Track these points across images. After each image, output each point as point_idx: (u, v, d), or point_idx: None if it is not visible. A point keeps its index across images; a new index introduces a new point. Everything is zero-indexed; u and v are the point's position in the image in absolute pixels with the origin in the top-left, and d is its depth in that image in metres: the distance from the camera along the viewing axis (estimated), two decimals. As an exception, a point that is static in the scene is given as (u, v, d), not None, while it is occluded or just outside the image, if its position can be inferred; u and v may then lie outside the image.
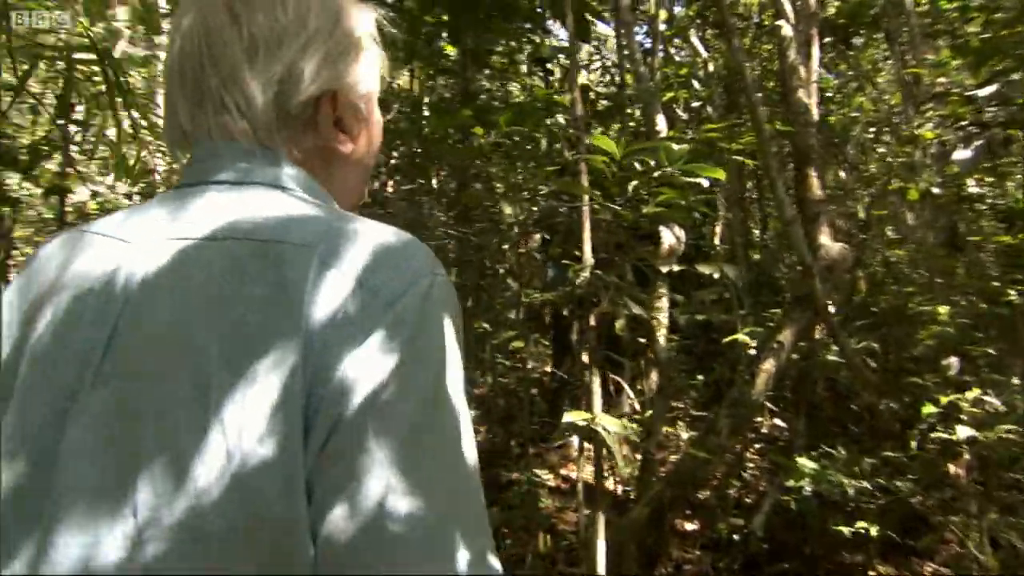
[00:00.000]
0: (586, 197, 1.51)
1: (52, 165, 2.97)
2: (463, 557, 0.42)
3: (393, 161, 2.06)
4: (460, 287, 2.29)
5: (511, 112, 1.78)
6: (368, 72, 0.59)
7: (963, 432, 1.79)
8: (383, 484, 0.41)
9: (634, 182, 1.38)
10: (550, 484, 3.58)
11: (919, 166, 3.54)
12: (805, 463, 2.28)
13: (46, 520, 0.42)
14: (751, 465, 3.45)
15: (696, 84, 4.41)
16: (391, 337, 0.44)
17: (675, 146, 1.29)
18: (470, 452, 0.46)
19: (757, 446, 3.80)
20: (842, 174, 4.73)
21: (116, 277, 0.48)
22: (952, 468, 1.94)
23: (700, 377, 4.23)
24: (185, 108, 0.54)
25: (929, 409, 1.90)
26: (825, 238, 2.52)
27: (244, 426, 0.41)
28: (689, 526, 3.06)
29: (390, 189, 3.09)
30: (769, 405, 3.85)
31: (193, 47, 0.53)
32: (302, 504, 0.41)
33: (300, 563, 0.41)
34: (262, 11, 0.53)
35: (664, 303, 4.05)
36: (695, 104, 4.53)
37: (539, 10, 2.59)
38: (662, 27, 4.77)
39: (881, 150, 4.27)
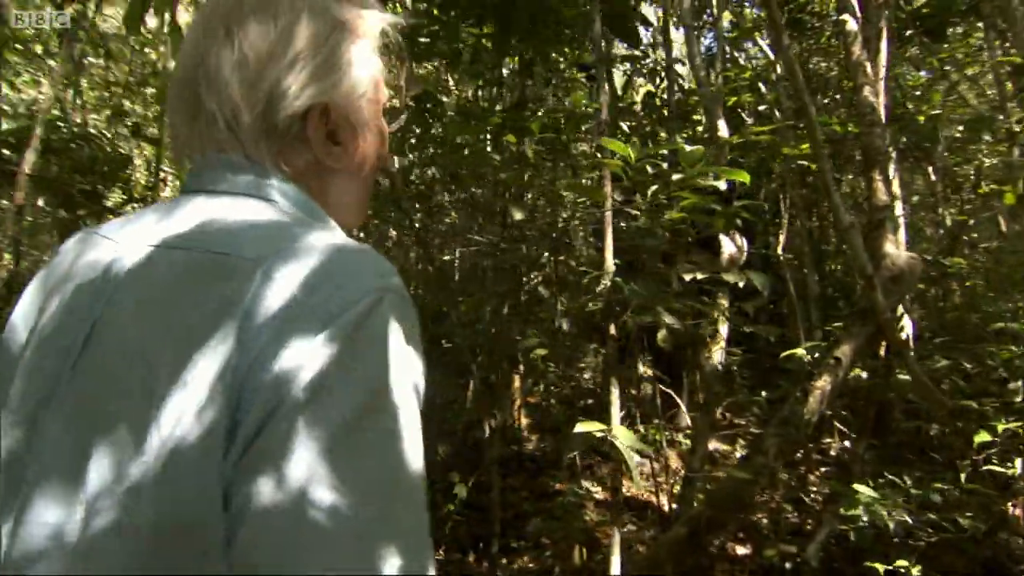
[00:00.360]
0: (607, 203, 1.48)
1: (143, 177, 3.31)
2: (392, 566, 0.40)
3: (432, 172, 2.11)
4: (499, 295, 2.30)
5: (541, 119, 1.78)
6: (365, 81, 0.58)
7: (1022, 465, 1.57)
8: (306, 476, 0.40)
9: (653, 187, 1.33)
10: (598, 497, 3.51)
11: (1017, 166, 3.19)
12: (864, 491, 2.10)
13: (23, 496, 0.47)
14: (814, 489, 3.22)
15: (763, 87, 4.21)
16: (324, 354, 0.43)
17: (688, 148, 1.23)
18: (410, 467, 0.44)
19: (823, 469, 3.54)
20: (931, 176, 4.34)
21: (104, 275, 0.52)
22: (1010, 507, 1.71)
23: (764, 393, 4.01)
24: (183, 122, 0.57)
25: (983, 437, 1.68)
26: (891, 246, 2.32)
27: (175, 427, 0.43)
28: (741, 550, 2.90)
29: (445, 198, 3.17)
30: (839, 426, 3.58)
31: (192, 64, 0.56)
32: (216, 507, 0.42)
33: (214, 564, 0.41)
34: (254, 29, 0.55)
35: (725, 314, 3.88)
36: (762, 107, 4.32)
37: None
38: (726, 27, 4.60)
39: (974, 149, 3.89)
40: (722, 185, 1.26)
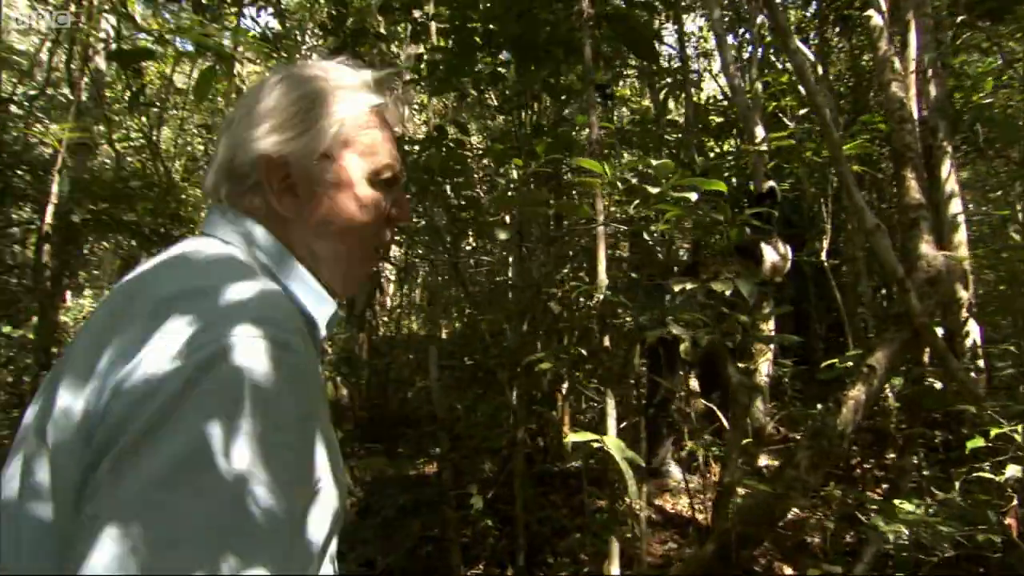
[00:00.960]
0: (600, 218, 1.52)
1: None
2: None
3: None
4: (519, 313, 2.36)
5: (545, 142, 1.85)
6: (326, 143, 0.64)
7: (1012, 472, 1.44)
8: (113, 523, 0.42)
9: (635, 202, 1.36)
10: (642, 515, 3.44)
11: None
12: (905, 506, 1.98)
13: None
14: (874, 507, 3.02)
15: (802, 90, 4.08)
16: (161, 399, 0.45)
17: (654, 162, 1.25)
18: (224, 528, 0.43)
19: (885, 486, 3.31)
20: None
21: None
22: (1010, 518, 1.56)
23: (820, 407, 3.82)
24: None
25: (977, 443, 1.56)
26: (927, 247, 2.21)
27: (61, 427, 0.50)
28: (788, 570, 2.76)
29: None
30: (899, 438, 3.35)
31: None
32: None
33: None
34: (246, 100, 0.66)
35: (770, 325, 3.75)
36: (804, 111, 4.18)
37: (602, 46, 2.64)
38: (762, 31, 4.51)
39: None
40: (693, 196, 1.27)
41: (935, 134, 3.73)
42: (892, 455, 3.57)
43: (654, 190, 1.24)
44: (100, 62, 3.91)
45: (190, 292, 0.53)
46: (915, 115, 2.57)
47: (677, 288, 1.60)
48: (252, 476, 0.44)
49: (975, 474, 1.65)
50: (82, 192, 2.43)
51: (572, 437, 1.41)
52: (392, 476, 3.82)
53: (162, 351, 0.48)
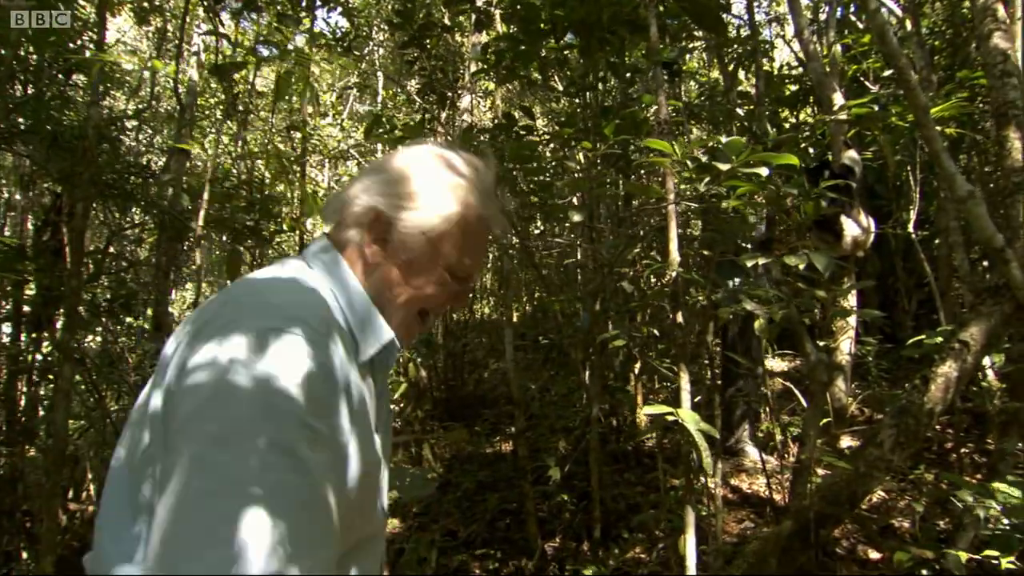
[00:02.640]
0: (670, 197, 1.53)
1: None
2: None
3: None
4: (591, 293, 2.40)
5: (614, 123, 1.87)
6: (431, 222, 0.74)
7: None
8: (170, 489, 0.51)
9: (705, 179, 1.36)
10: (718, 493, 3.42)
11: None
12: (1004, 489, 1.89)
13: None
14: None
15: (904, 55, 3.80)
16: (201, 378, 0.55)
17: (724, 139, 1.24)
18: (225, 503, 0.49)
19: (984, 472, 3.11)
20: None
21: None
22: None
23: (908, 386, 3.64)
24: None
25: None
26: (1031, 214, 2.06)
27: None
28: (874, 554, 2.69)
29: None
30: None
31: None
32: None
33: None
34: (397, 154, 0.79)
35: (851, 301, 3.58)
36: (889, 72, 3.90)
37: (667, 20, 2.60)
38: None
39: None
40: (764, 172, 1.25)
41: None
42: (992, 439, 3.35)
43: (724, 167, 1.24)
44: (193, 74, 4.26)
45: (220, 318, 0.61)
46: (1021, 68, 2.37)
47: (749, 263, 1.59)
48: (262, 469, 0.51)
49: None
50: (194, 197, 2.72)
51: (647, 409, 1.46)
52: (470, 453, 3.99)
53: (216, 341, 0.57)
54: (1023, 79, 2.34)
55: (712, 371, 2.38)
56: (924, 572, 2.31)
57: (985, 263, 4.21)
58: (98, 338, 4.40)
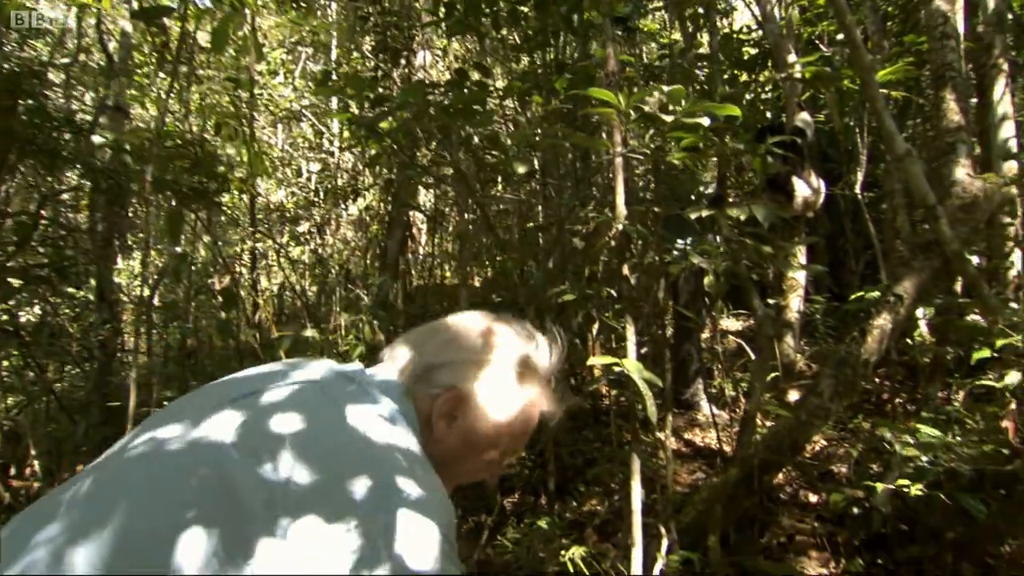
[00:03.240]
0: (617, 149, 1.53)
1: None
2: None
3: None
4: (544, 250, 2.41)
5: (566, 77, 1.84)
6: (505, 414, 0.79)
7: (1011, 378, 1.44)
8: None
9: (650, 131, 1.37)
10: (671, 447, 3.56)
11: None
12: (926, 431, 2.02)
13: None
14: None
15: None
16: None
17: (665, 88, 1.24)
18: None
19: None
20: None
21: None
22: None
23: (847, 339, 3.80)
24: (401, 345, 0.83)
25: (983, 354, 1.55)
26: (962, 172, 2.15)
27: None
28: (814, 497, 2.85)
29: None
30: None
31: (416, 340, 0.83)
32: None
33: None
34: (477, 326, 0.83)
35: (800, 260, 3.70)
36: (841, 36, 3.95)
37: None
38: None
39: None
40: (705, 121, 1.26)
41: (990, 51, 3.50)
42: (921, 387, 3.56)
43: (667, 118, 1.24)
44: (127, 25, 3.98)
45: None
46: (961, 31, 2.43)
47: (693, 216, 1.62)
48: None
49: (979, 384, 1.67)
50: (136, 156, 2.56)
51: (594, 360, 1.49)
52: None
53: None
54: (961, 42, 2.41)
55: (662, 327, 2.43)
56: (855, 510, 2.48)
57: (926, 225, 4.38)
58: (36, 309, 4.21)
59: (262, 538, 0.56)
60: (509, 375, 0.80)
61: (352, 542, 0.56)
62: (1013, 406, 1.56)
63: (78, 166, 3.01)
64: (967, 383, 1.81)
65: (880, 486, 1.69)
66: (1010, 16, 4.00)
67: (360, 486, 0.59)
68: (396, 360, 0.80)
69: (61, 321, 4.19)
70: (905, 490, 1.90)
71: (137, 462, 0.64)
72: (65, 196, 4.81)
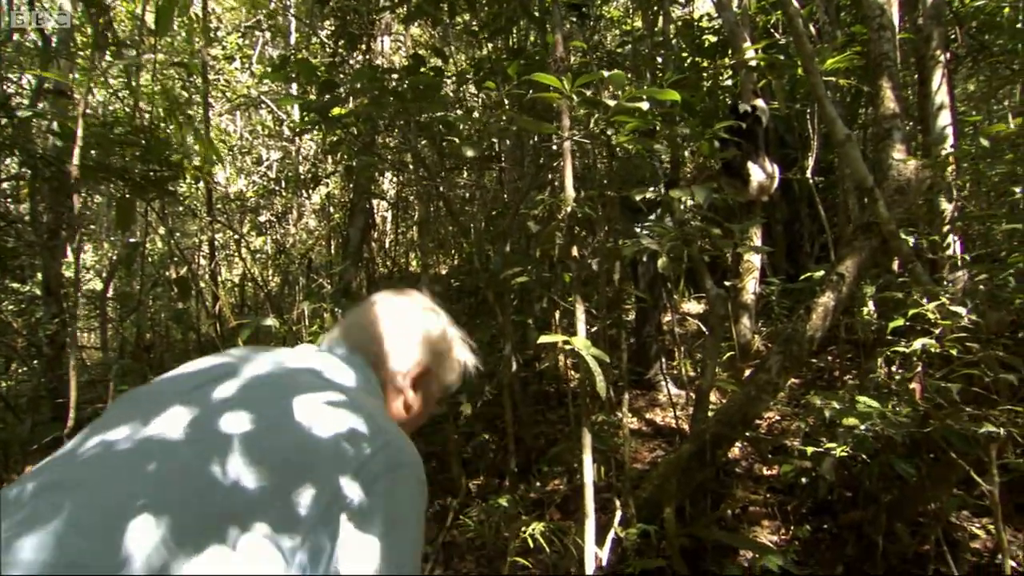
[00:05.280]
0: (565, 133, 1.56)
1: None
2: None
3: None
4: (500, 234, 2.43)
5: (518, 62, 1.85)
6: (451, 378, 0.97)
7: (918, 343, 1.56)
8: None
9: (595, 116, 1.40)
10: (631, 427, 3.66)
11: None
12: (866, 401, 2.13)
13: None
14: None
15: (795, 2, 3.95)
16: None
17: (606, 73, 1.28)
18: None
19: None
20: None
21: None
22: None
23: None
24: (357, 327, 0.93)
25: (897, 323, 1.67)
26: (899, 155, 2.25)
27: None
28: (767, 471, 2.98)
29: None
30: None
31: (380, 307, 0.95)
32: None
33: None
34: (412, 309, 0.97)
35: (756, 242, 3.82)
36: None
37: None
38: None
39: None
40: (644, 106, 1.30)
41: (928, 43, 3.65)
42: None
43: (610, 102, 1.27)
44: (65, 4, 3.80)
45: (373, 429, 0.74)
46: (896, 22, 2.53)
47: (638, 197, 1.66)
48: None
49: (892, 350, 1.77)
50: (68, 140, 2.46)
51: (542, 339, 1.53)
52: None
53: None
54: (897, 33, 2.51)
55: (619, 309, 2.49)
56: (803, 480, 2.61)
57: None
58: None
59: (218, 530, 0.59)
60: (449, 342, 0.97)
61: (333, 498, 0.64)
62: (919, 369, 1.67)
63: (17, 153, 2.89)
64: (882, 352, 1.91)
65: (811, 450, 1.78)
66: (949, 12, 4.17)
67: (337, 446, 0.68)
68: (351, 338, 0.92)
69: (5, 317, 4.03)
70: (841, 456, 2.01)
71: (87, 462, 0.65)
72: (5, 185, 4.61)
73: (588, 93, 1.31)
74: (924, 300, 1.78)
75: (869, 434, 2.02)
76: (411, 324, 0.95)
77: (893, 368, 2.70)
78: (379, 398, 0.88)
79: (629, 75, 4.02)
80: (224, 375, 0.75)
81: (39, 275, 4.37)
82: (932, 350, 1.63)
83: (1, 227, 3.27)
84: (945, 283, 2.50)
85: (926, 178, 2.14)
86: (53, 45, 3.26)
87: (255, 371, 0.77)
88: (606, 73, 1.26)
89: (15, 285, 4.25)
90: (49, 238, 4.01)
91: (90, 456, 0.65)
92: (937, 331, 1.69)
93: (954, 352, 1.59)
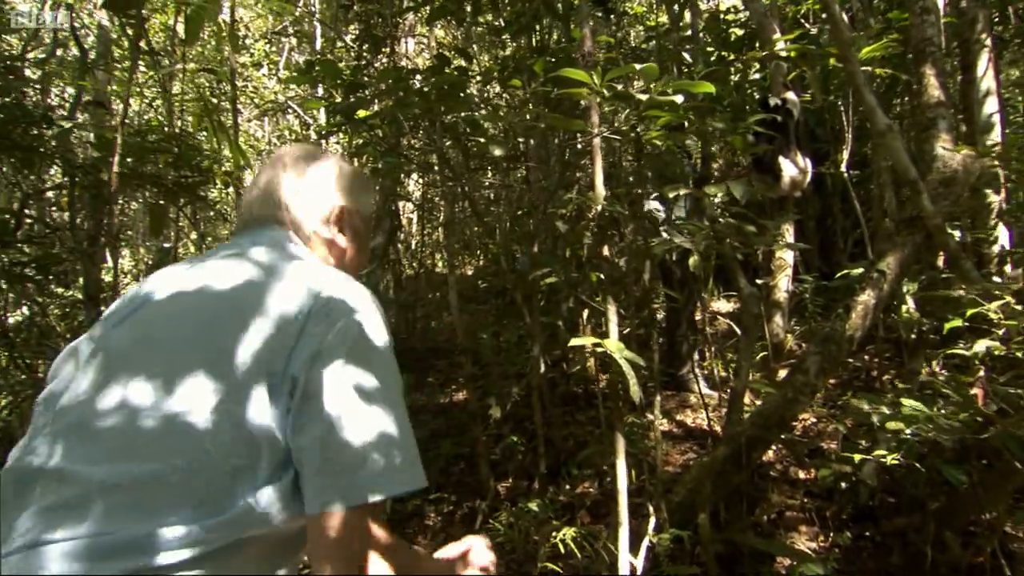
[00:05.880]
0: (594, 130, 1.52)
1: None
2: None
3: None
4: (528, 235, 2.40)
5: (545, 59, 1.82)
6: (367, 208, 0.98)
7: (980, 346, 1.46)
8: None
9: (626, 111, 1.36)
10: (663, 429, 3.59)
11: None
12: (911, 405, 2.03)
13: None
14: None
15: (826, -12, 3.82)
16: None
17: (638, 67, 1.23)
18: None
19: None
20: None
21: None
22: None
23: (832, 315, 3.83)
24: (257, 204, 0.93)
25: (955, 323, 1.57)
26: (943, 148, 2.15)
27: None
28: (803, 474, 2.89)
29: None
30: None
31: (273, 171, 0.95)
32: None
33: None
34: (306, 159, 0.96)
35: (788, 239, 3.71)
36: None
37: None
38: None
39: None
40: (678, 99, 1.25)
41: (973, 26, 3.50)
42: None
43: (642, 96, 1.23)
44: (103, 18, 3.91)
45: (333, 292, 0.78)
46: (941, 6, 2.42)
47: (672, 195, 1.62)
48: None
49: (950, 352, 1.68)
50: (106, 150, 2.52)
51: (573, 341, 1.49)
52: (424, 404, 4.04)
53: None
54: (941, 17, 2.40)
55: (650, 309, 2.43)
56: (843, 484, 2.51)
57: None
58: (24, 309, 4.18)
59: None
60: (348, 172, 0.96)
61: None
62: (982, 373, 1.58)
63: (58, 162, 2.97)
64: (939, 353, 1.82)
65: (858, 457, 1.70)
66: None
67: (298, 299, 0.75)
68: (258, 217, 0.92)
69: (50, 321, 4.16)
70: (887, 462, 1.92)
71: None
72: (50, 194, 4.75)
73: (619, 87, 1.27)
74: (978, 297, 1.69)
75: (915, 439, 1.93)
76: (309, 176, 0.94)
77: (937, 369, 2.59)
78: (310, 257, 0.89)
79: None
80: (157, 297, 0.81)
81: (80, 280, 4.50)
82: (996, 352, 1.54)
83: (46, 235, 3.37)
84: (997, 279, 2.39)
85: (977, 169, 2.03)
86: (91, 58, 3.35)
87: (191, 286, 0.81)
88: (638, 66, 1.22)
89: (59, 290, 4.38)
90: (89, 245, 4.13)
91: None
92: (1000, 332, 1.60)
93: (1020, 355, 1.50)
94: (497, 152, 1.76)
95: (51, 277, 3.92)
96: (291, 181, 0.93)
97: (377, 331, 0.77)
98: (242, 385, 0.69)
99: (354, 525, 0.69)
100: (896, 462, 1.59)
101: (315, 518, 0.68)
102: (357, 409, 0.70)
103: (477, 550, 0.94)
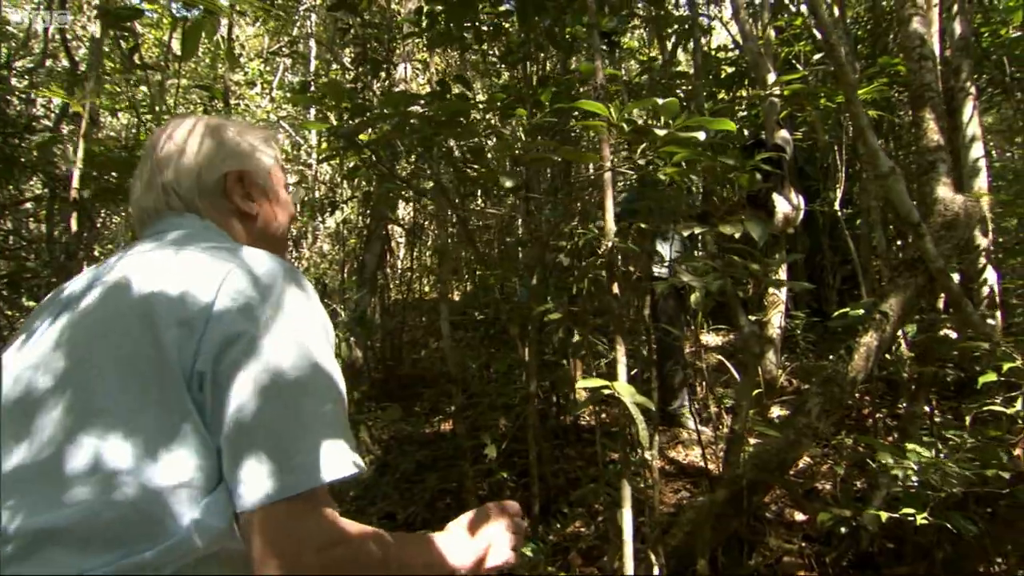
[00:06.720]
0: (606, 164, 1.49)
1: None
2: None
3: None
4: (528, 267, 2.35)
5: (551, 90, 1.80)
6: (266, 165, 0.92)
7: (1022, 404, 1.44)
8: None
9: (642, 145, 1.33)
10: (657, 465, 3.50)
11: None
12: (916, 450, 1.99)
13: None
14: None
15: (817, 34, 3.92)
16: None
17: (660, 101, 1.21)
18: None
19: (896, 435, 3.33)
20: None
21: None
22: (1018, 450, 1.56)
23: (832, 358, 3.82)
24: (145, 194, 0.87)
25: (989, 378, 1.55)
26: (944, 190, 2.16)
27: None
28: (800, 516, 2.82)
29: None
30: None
31: (150, 159, 0.88)
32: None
33: None
34: (193, 139, 0.89)
35: (781, 275, 3.71)
36: (818, 56, 4.03)
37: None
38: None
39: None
40: (701, 136, 1.22)
41: (957, 75, 3.59)
42: (904, 402, 3.57)
43: (661, 132, 1.21)
44: (96, 30, 3.85)
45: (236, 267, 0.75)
46: (936, 53, 2.47)
47: (686, 232, 1.59)
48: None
49: (986, 409, 1.65)
50: (91, 164, 2.44)
51: (583, 383, 1.43)
52: (409, 434, 3.91)
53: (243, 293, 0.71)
54: (938, 63, 2.45)
55: (649, 344, 2.39)
56: (843, 529, 2.45)
57: (899, 241, 4.48)
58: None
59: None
60: (233, 133, 0.91)
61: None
62: None
63: (39, 174, 2.87)
64: (972, 407, 1.78)
65: (881, 515, 1.64)
66: (977, 45, 4.13)
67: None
68: (153, 207, 0.86)
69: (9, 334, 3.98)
70: (909, 517, 1.85)
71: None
72: (28, 205, 4.60)
73: (639, 121, 1.24)
74: (994, 346, 1.67)
75: (929, 489, 1.88)
76: (188, 152, 0.87)
77: (935, 412, 2.57)
78: (219, 237, 0.84)
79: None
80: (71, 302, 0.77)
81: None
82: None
83: (21, 246, 3.24)
84: (991, 321, 2.39)
85: (978, 213, 2.04)
86: (81, 70, 3.28)
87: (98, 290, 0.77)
88: (660, 101, 1.19)
89: (31, 304, 4.20)
90: (67, 258, 3.99)
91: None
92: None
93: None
94: (508, 184, 1.72)
95: (22, 291, 3.76)
96: (171, 163, 0.86)
97: (293, 308, 0.72)
98: (161, 400, 0.66)
99: (290, 519, 0.64)
100: (923, 520, 1.53)
101: (247, 516, 0.64)
102: (274, 396, 0.66)
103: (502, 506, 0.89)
